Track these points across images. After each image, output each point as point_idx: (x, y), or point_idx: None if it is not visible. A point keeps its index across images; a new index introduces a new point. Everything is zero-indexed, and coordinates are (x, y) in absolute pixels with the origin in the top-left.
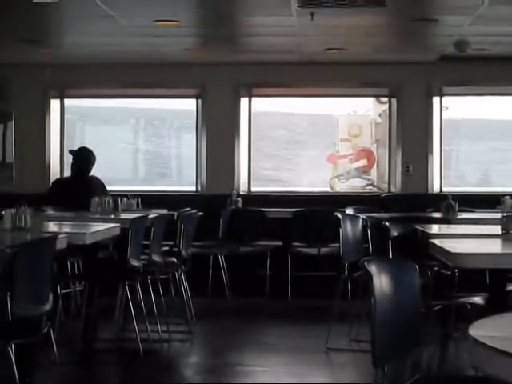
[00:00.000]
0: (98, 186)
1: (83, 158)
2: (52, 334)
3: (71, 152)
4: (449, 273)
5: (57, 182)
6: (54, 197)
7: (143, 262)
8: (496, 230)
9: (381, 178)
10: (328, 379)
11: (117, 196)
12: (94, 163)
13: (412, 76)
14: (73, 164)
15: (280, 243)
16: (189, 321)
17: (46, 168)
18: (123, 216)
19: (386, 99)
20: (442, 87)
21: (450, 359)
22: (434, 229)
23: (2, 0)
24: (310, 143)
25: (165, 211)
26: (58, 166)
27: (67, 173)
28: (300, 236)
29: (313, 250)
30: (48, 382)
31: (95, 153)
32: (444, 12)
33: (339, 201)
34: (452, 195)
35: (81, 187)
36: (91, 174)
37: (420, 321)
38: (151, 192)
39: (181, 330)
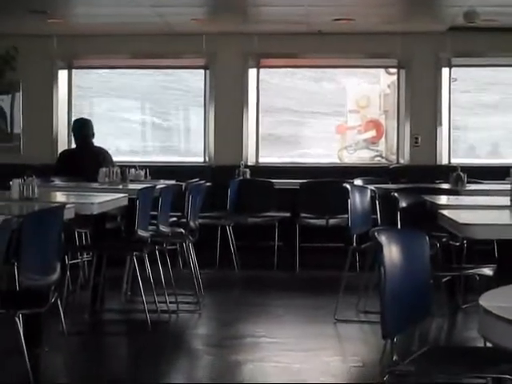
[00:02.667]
0: (105, 157)
1: (81, 126)
2: (59, 304)
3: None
4: (457, 244)
5: (64, 153)
6: (62, 168)
7: (151, 232)
8: (505, 201)
9: (389, 149)
10: (337, 350)
11: (125, 167)
12: (93, 128)
13: (421, 47)
14: (74, 136)
15: (288, 214)
16: (197, 292)
17: (53, 138)
18: (131, 186)
19: (394, 70)
20: (451, 58)
21: (459, 330)
22: (443, 200)
23: None
24: (318, 114)
25: (173, 182)
26: (65, 136)
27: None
28: (308, 207)
29: (321, 221)
30: (55, 352)
31: (103, 123)
32: None
33: (347, 172)
34: (461, 167)
35: (88, 157)
36: (98, 145)
37: (429, 292)
38: (159, 163)
39: (189, 301)
